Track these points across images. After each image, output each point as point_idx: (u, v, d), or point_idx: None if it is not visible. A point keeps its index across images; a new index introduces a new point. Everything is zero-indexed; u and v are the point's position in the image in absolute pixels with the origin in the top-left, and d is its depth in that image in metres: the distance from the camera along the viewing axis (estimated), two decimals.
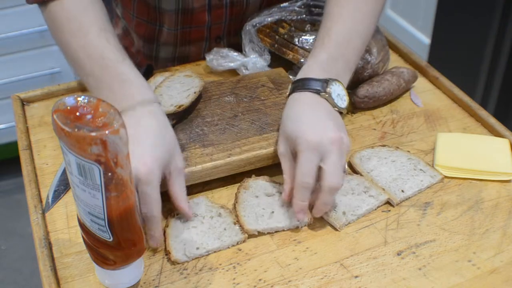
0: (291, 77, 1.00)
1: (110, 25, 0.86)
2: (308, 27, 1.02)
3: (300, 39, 1.01)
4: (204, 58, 1.08)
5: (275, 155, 0.85)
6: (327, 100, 0.80)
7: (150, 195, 0.72)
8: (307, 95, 0.80)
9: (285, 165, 0.79)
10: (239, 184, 0.84)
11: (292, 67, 1.04)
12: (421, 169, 0.87)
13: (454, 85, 1.04)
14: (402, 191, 0.83)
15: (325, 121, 0.77)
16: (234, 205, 0.80)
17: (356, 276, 0.73)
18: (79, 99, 0.60)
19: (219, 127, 0.89)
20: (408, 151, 0.91)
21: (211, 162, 0.82)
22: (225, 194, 0.84)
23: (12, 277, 1.88)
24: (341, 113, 0.82)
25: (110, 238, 0.64)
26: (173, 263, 0.74)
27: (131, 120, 0.74)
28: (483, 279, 0.73)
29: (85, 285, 0.72)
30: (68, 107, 0.59)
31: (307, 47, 1.00)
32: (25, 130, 0.95)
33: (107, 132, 0.56)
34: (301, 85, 0.82)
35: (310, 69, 0.83)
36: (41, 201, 0.83)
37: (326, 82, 0.80)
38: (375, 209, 0.81)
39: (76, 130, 0.56)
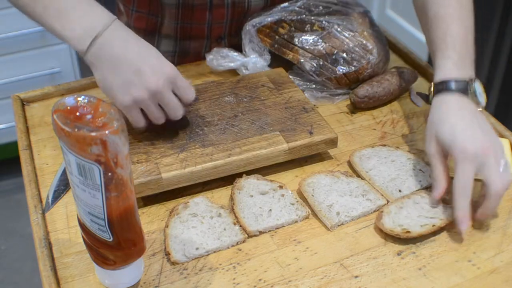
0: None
1: None
2: (308, 27, 1.02)
3: (300, 39, 1.00)
4: (204, 57, 1.08)
5: (275, 155, 0.85)
6: (471, 100, 0.83)
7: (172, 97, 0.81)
8: (454, 96, 0.82)
9: (436, 165, 0.81)
10: (232, 185, 0.84)
11: (292, 67, 1.04)
12: (420, 169, 0.87)
13: None
14: (400, 190, 0.83)
15: (475, 128, 0.79)
16: (232, 206, 0.80)
17: (356, 276, 0.73)
18: (79, 99, 0.60)
19: (219, 127, 0.89)
20: (408, 151, 0.91)
21: (211, 162, 0.82)
22: (225, 194, 0.84)
23: (12, 277, 1.88)
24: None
25: (110, 238, 0.64)
26: (173, 263, 0.74)
27: (117, 39, 0.81)
28: (483, 279, 0.73)
29: (85, 285, 0.72)
30: (68, 107, 0.59)
31: (307, 47, 1.00)
32: (25, 130, 0.95)
33: (107, 132, 0.56)
34: (447, 86, 0.83)
35: (448, 70, 0.85)
36: (41, 201, 0.83)
37: (468, 82, 0.83)
38: (371, 213, 0.81)
39: (76, 130, 0.57)
